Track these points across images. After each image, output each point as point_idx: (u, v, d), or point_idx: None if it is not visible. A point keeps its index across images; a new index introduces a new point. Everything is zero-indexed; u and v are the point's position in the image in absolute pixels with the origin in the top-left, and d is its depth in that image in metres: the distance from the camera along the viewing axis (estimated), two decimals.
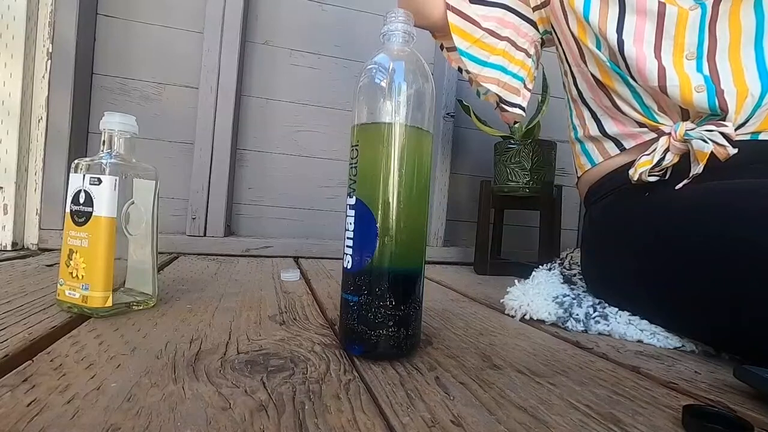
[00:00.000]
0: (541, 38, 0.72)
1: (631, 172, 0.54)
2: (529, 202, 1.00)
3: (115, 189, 0.43)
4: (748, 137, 0.51)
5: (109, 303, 0.43)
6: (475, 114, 1.04)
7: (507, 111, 0.71)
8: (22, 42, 0.80)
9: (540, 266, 0.71)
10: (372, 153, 0.36)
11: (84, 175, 0.43)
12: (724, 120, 0.50)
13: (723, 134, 0.48)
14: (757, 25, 0.51)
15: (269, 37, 1.07)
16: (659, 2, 0.55)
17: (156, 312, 0.46)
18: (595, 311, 0.53)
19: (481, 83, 0.69)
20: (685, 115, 0.54)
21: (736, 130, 0.49)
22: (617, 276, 0.56)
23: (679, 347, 0.47)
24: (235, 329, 0.42)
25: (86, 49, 0.93)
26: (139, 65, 0.99)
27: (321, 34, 1.10)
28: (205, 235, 0.98)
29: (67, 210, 0.44)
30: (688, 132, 0.50)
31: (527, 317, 0.55)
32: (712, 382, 0.37)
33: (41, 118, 0.85)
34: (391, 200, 0.35)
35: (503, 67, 0.69)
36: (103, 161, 0.43)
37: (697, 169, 0.49)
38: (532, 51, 0.71)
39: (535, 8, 0.69)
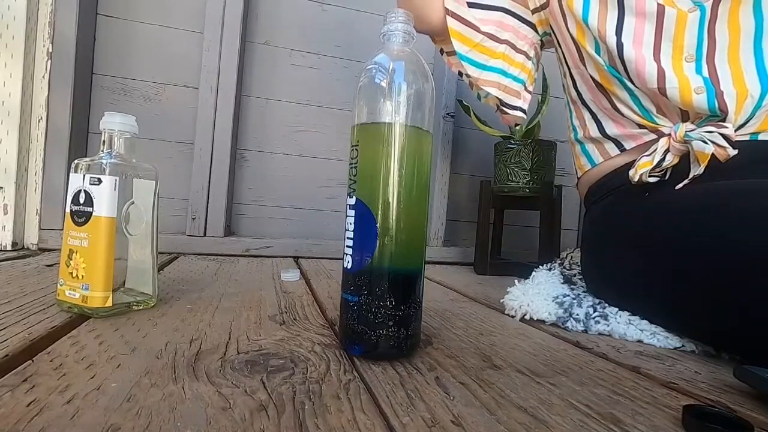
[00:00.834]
0: (541, 40, 0.72)
1: (631, 172, 0.54)
2: (529, 202, 1.00)
3: (115, 189, 0.43)
4: (747, 138, 0.51)
5: (109, 303, 0.43)
6: (475, 114, 1.04)
7: (508, 114, 0.71)
8: (22, 42, 0.80)
9: (540, 266, 0.71)
10: (372, 153, 0.36)
11: (84, 175, 0.43)
12: (724, 121, 0.50)
13: (723, 135, 0.48)
14: (756, 26, 0.51)
15: (269, 37, 1.08)
16: (658, 4, 0.55)
17: (156, 312, 0.46)
18: (595, 311, 0.53)
19: (482, 87, 0.69)
20: (684, 116, 0.54)
21: (736, 130, 0.49)
22: (617, 276, 0.56)
23: (679, 347, 0.47)
24: (235, 329, 0.42)
25: (86, 49, 0.93)
26: (139, 65, 0.99)
27: (321, 34, 1.10)
28: (205, 235, 0.98)
29: (67, 210, 0.44)
30: (688, 133, 0.50)
31: (527, 317, 0.55)
32: (712, 382, 0.37)
33: (41, 118, 0.85)
34: (391, 200, 0.35)
35: (503, 70, 0.69)
36: (103, 161, 0.43)
37: (697, 170, 0.49)
38: (532, 53, 0.71)
39: (534, 11, 0.70)
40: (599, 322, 0.52)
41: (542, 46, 0.74)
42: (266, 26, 1.07)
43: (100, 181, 0.43)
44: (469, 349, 0.42)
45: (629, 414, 0.30)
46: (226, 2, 0.98)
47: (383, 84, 0.36)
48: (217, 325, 0.43)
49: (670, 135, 0.52)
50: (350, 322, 0.36)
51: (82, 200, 0.43)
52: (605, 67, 0.58)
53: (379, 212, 0.35)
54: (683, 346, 0.47)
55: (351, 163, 0.37)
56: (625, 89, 0.57)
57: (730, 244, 0.42)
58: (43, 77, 0.84)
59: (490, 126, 1.03)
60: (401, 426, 0.26)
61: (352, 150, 0.37)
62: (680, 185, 0.51)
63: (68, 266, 0.43)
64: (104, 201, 0.43)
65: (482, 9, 0.69)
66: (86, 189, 0.43)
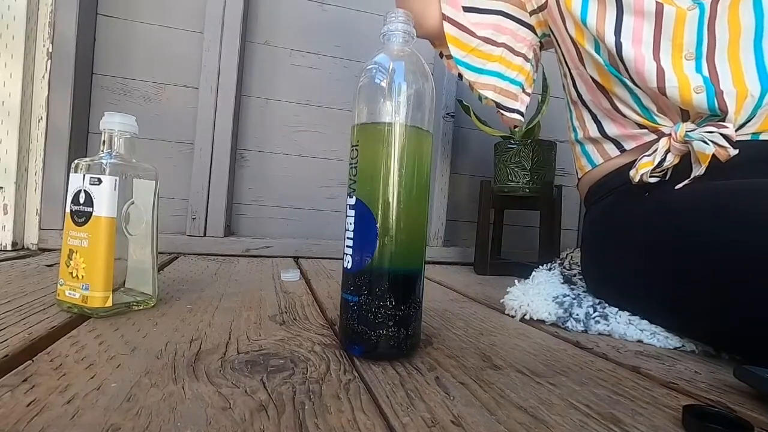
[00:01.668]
0: (540, 42, 0.72)
1: (632, 173, 0.54)
2: (529, 202, 1.00)
3: (115, 189, 0.43)
4: (748, 137, 0.51)
5: (109, 303, 0.43)
6: (475, 114, 1.04)
7: (505, 116, 0.71)
8: (22, 42, 0.80)
9: (540, 266, 0.71)
10: (372, 153, 0.36)
11: (84, 175, 0.43)
12: (724, 120, 0.50)
13: (724, 135, 0.48)
14: (757, 24, 0.51)
15: (269, 37, 1.08)
16: (656, 2, 0.55)
17: (156, 312, 0.46)
18: (595, 311, 0.53)
19: (479, 90, 0.70)
20: (684, 115, 0.54)
21: (736, 130, 0.49)
22: (617, 276, 0.56)
23: (679, 347, 0.47)
24: (235, 329, 0.42)
25: (86, 49, 0.93)
26: (139, 65, 0.99)
27: (321, 34, 1.10)
28: (205, 235, 0.98)
29: (67, 210, 0.44)
30: (688, 133, 0.50)
31: (527, 317, 0.55)
32: (712, 382, 0.37)
33: (41, 118, 0.85)
34: (391, 200, 0.35)
35: (500, 73, 0.69)
36: (103, 161, 0.43)
37: (698, 170, 0.49)
38: (530, 55, 0.71)
39: (532, 12, 0.69)
40: (599, 322, 0.52)
41: (542, 47, 0.74)
42: (266, 26, 1.07)
43: (100, 181, 0.43)
44: (469, 349, 0.42)
45: (629, 414, 0.30)
46: (226, 2, 0.98)
47: (383, 84, 0.36)
48: (217, 325, 0.43)
49: (670, 135, 0.52)
50: (350, 322, 0.36)
51: (82, 200, 0.43)
52: (605, 66, 0.58)
53: (379, 212, 0.35)
54: (683, 346, 0.47)
55: (351, 163, 0.37)
56: (625, 88, 0.57)
57: (731, 244, 0.42)
58: (43, 77, 0.84)
59: (490, 126, 1.03)
60: (401, 426, 0.26)
61: (352, 150, 0.37)
62: (680, 185, 0.51)
63: (68, 266, 0.43)
64: (104, 201, 0.43)
65: (479, 13, 0.69)
66: (86, 189, 0.43)
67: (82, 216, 0.43)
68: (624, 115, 0.58)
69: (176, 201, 1.01)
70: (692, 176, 0.50)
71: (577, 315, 0.53)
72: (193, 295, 0.55)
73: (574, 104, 0.67)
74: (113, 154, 0.45)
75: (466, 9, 0.69)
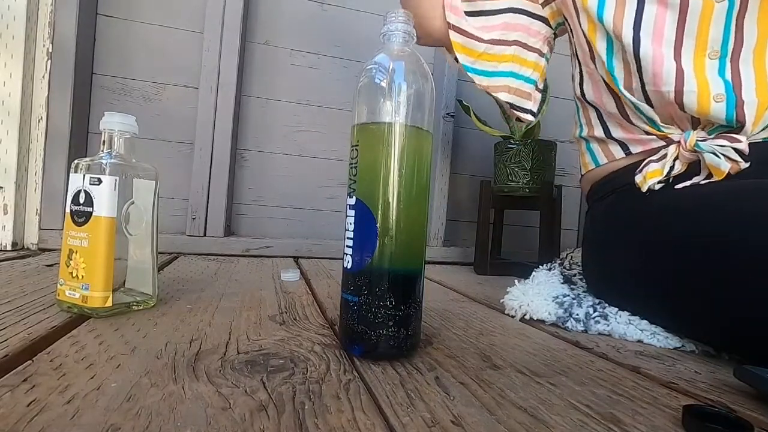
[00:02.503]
0: (554, 33, 0.70)
1: (638, 180, 0.53)
2: (529, 202, 1.00)
3: (115, 189, 0.43)
4: (758, 140, 0.50)
5: (109, 303, 0.43)
6: (475, 114, 1.04)
7: (519, 116, 0.70)
8: (22, 42, 0.80)
9: (540, 266, 0.71)
10: (372, 153, 0.36)
11: (84, 175, 0.43)
12: (739, 132, 0.49)
13: (736, 150, 0.47)
14: None
15: (269, 37, 1.08)
16: None
17: (156, 312, 0.46)
18: (595, 311, 0.53)
19: (492, 93, 0.68)
20: (695, 122, 0.52)
21: (749, 138, 0.48)
22: (618, 275, 0.56)
23: (679, 347, 0.47)
24: (235, 329, 0.42)
25: (86, 49, 0.93)
26: (139, 65, 0.99)
27: (321, 34, 1.10)
28: (205, 235, 0.98)
29: (67, 210, 0.44)
30: (699, 143, 0.49)
31: (527, 317, 0.55)
32: (712, 382, 0.37)
33: (41, 118, 0.85)
34: (391, 200, 0.35)
35: (513, 72, 0.67)
36: (103, 161, 0.43)
37: (702, 177, 0.49)
38: (545, 49, 0.69)
39: (545, 3, 0.67)
40: (599, 322, 0.52)
41: (555, 36, 0.71)
42: (266, 26, 1.07)
43: (100, 181, 0.43)
44: (469, 349, 0.42)
45: (629, 414, 0.30)
46: (226, 2, 0.98)
47: (383, 84, 0.36)
48: (217, 325, 0.43)
49: (679, 142, 0.51)
50: (350, 322, 0.36)
51: (82, 200, 0.43)
52: (612, 78, 0.56)
53: (379, 212, 0.35)
54: (683, 346, 0.47)
55: (351, 163, 0.37)
56: (629, 101, 0.55)
57: (731, 244, 0.42)
58: (43, 77, 0.84)
59: (490, 126, 1.03)
60: (401, 426, 0.26)
61: (352, 150, 0.37)
62: (681, 185, 0.50)
63: (68, 266, 0.43)
64: (104, 201, 0.43)
65: (484, 16, 0.67)
66: (86, 189, 0.43)
67: (82, 216, 0.43)
68: (631, 122, 0.57)
69: (176, 201, 1.01)
70: (693, 181, 0.49)
71: (577, 315, 0.53)
72: (193, 295, 0.55)
73: (580, 101, 0.66)
74: (113, 154, 0.45)
75: (470, 14, 0.67)
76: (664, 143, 0.54)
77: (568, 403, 0.31)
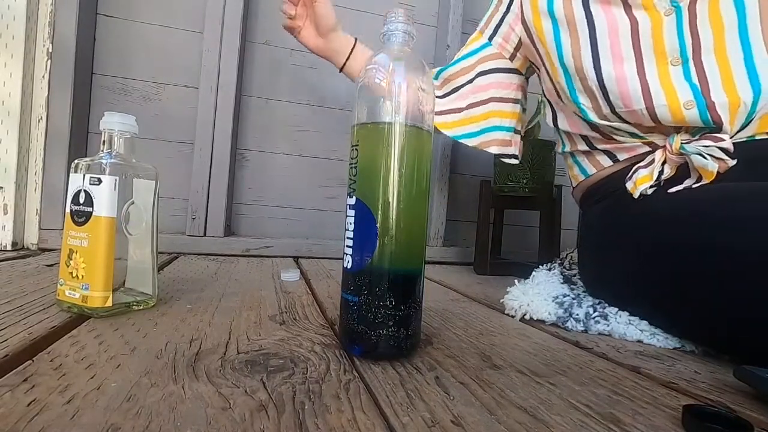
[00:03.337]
0: (526, 78, 0.73)
1: (629, 187, 0.53)
2: (529, 202, 1.00)
3: (115, 189, 0.43)
4: (743, 139, 0.51)
5: (109, 303, 0.43)
6: None
7: (505, 162, 0.74)
8: (22, 42, 0.80)
9: (540, 266, 0.71)
10: (372, 153, 0.36)
11: (84, 175, 0.43)
12: (720, 131, 0.49)
13: (722, 149, 0.47)
14: (739, 19, 0.50)
15: (269, 37, 1.07)
16: (629, 17, 0.54)
17: (156, 312, 0.46)
18: (595, 311, 0.53)
19: (484, 149, 0.72)
20: (678, 126, 0.53)
21: (732, 137, 0.48)
22: (614, 278, 0.55)
23: (679, 347, 0.47)
24: (235, 329, 0.42)
25: (86, 49, 0.93)
26: (139, 65, 0.98)
27: None
28: (205, 235, 0.98)
29: (67, 210, 0.44)
30: (683, 145, 0.50)
31: (527, 317, 0.55)
32: (712, 382, 0.37)
33: (41, 118, 0.85)
34: (391, 200, 0.35)
35: (497, 126, 0.71)
36: (103, 161, 0.43)
37: (692, 179, 0.49)
38: (519, 95, 0.72)
39: (512, 57, 0.70)
40: (599, 322, 0.52)
41: (527, 79, 0.74)
42: (266, 26, 1.07)
43: (100, 181, 0.43)
44: (469, 349, 0.42)
45: (629, 414, 0.30)
46: (226, 2, 0.98)
47: (383, 84, 0.36)
48: (217, 325, 0.43)
49: (665, 147, 0.52)
50: (350, 322, 0.36)
51: (82, 200, 0.43)
52: (580, 108, 0.58)
53: (379, 212, 0.35)
54: (683, 346, 0.47)
55: (351, 163, 0.37)
56: (605, 126, 0.57)
57: (726, 246, 0.41)
58: (43, 77, 0.84)
59: None
60: (401, 426, 0.26)
61: (352, 150, 0.37)
62: (673, 189, 0.50)
63: (68, 266, 0.43)
64: (104, 201, 0.43)
65: (456, 92, 0.71)
66: (86, 189, 0.43)
67: (82, 216, 0.43)
68: (613, 137, 0.58)
69: (176, 201, 1.01)
70: (684, 185, 0.50)
71: (577, 315, 0.53)
72: (193, 295, 0.55)
73: (556, 127, 0.68)
74: (113, 154, 0.45)
75: (445, 95, 0.72)
76: (649, 148, 0.55)
77: (568, 403, 0.31)
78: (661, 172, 0.52)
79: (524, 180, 0.95)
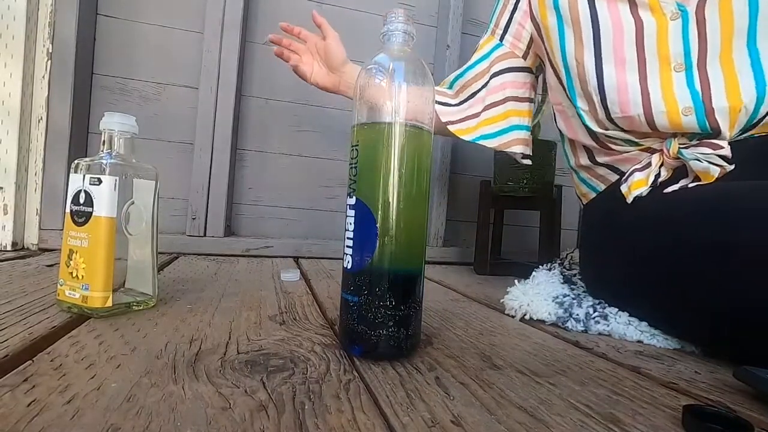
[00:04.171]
0: (536, 76, 0.73)
1: (624, 190, 0.53)
2: (529, 202, 1.00)
3: (115, 189, 0.43)
4: (739, 138, 0.51)
5: (109, 303, 0.43)
6: None
7: (522, 161, 0.72)
8: (22, 42, 0.80)
9: (540, 266, 0.71)
10: (372, 153, 0.36)
11: (84, 175, 0.43)
12: (717, 137, 0.49)
13: (720, 156, 0.47)
14: (750, 22, 0.48)
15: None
16: (634, 17, 0.53)
17: (156, 312, 0.46)
18: (595, 311, 0.53)
19: (506, 150, 0.69)
20: (674, 132, 0.52)
21: (731, 142, 0.48)
22: (614, 279, 0.55)
23: (679, 347, 0.47)
24: (235, 329, 0.42)
25: (86, 49, 0.93)
26: (139, 65, 0.98)
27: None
28: (205, 235, 0.98)
29: (67, 210, 0.44)
30: (681, 150, 0.50)
31: (527, 317, 0.55)
32: (712, 382, 0.37)
33: (41, 118, 0.85)
34: (391, 200, 0.35)
35: (518, 125, 0.69)
36: (103, 161, 0.43)
37: (688, 180, 0.49)
38: (533, 95, 0.72)
39: (524, 55, 0.69)
40: (599, 322, 0.52)
41: (537, 78, 0.74)
42: (266, 26, 1.07)
43: (100, 181, 0.43)
44: (469, 349, 0.42)
45: (629, 414, 0.30)
46: (226, 2, 0.98)
47: (383, 84, 0.36)
48: (217, 325, 0.43)
49: (662, 151, 0.52)
50: (350, 322, 0.36)
51: (82, 200, 0.43)
52: (577, 109, 0.58)
53: (379, 212, 0.35)
54: (683, 346, 0.47)
55: (351, 163, 0.37)
56: (600, 133, 0.57)
57: (725, 246, 0.41)
58: (43, 77, 0.84)
59: None
60: (401, 426, 0.26)
61: (352, 150, 0.37)
62: (669, 189, 0.50)
63: (68, 266, 0.43)
64: (104, 201, 0.43)
65: (473, 97, 0.70)
66: (86, 189, 0.43)
67: (82, 216, 0.43)
68: (609, 147, 0.58)
69: (176, 201, 1.01)
70: (680, 184, 0.50)
71: (577, 315, 0.53)
72: (193, 295, 0.55)
73: (561, 133, 0.67)
74: (113, 154, 0.45)
75: (462, 102, 0.71)
76: (648, 154, 0.55)
77: (568, 403, 0.31)
78: (657, 176, 0.52)
79: (524, 180, 0.95)
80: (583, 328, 0.52)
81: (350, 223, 0.36)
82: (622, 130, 0.54)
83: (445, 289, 0.76)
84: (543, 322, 0.54)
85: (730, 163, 0.47)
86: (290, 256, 1.02)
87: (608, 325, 0.51)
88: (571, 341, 0.48)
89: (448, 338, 0.45)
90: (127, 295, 0.46)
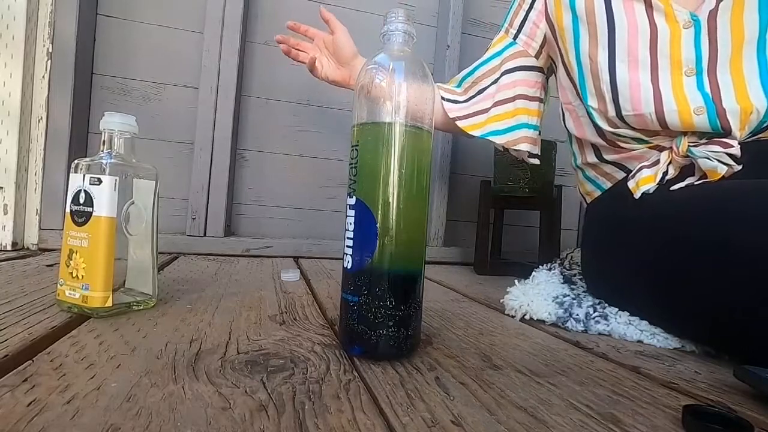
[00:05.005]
0: (547, 77, 0.72)
1: (631, 186, 0.53)
2: (529, 202, 1.00)
3: (115, 189, 0.43)
4: (750, 140, 0.51)
5: (109, 303, 0.43)
6: None
7: (529, 160, 0.72)
8: (22, 42, 0.80)
9: (540, 266, 0.71)
10: (372, 153, 0.36)
11: (84, 175, 0.43)
12: (727, 137, 0.49)
13: (730, 155, 0.47)
14: (761, 31, 0.49)
15: (269, 37, 1.07)
16: (650, 21, 0.53)
17: (156, 312, 0.46)
18: (595, 311, 0.53)
19: (513, 148, 0.69)
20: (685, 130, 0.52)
21: (741, 142, 0.48)
22: (617, 276, 0.55)
23: (679, 347, 0.47)
24: (235, 329, 0.42)
25: (86, 49, 0.93)
26: (139, 65, 0.98)
27: None
28: (205, 235, 0.98)
29: (67, 210, 0.44)
30: (691, 149, 0.50)
31: (527, 317, 0.55)
32: (712, 382, 0.37)
33: (41, 118, 0.85)
34: (391, 200, 0.35)
35: (527, 123, 0.69)
36: (103, 161, 0.43)
37: (695, 178, 0.49)
38: (543, 95, 0.71)
39: (537, 54, 0.69)
40: (599, 322, 0.52)
41: (548, 78, 0.74)
42: (266, 26, 1.07)
43: (100, 181, 0.43)
44: (469, 349, 0.42)
45: (629, 414, 0.30)
46: (226, 2, 0.98)
47: (383, 84, 0.36)
48: (217, 325, 0.43)
49: (671, 149, 0.52)
50: (350, 322, 0.36)
51: (82, 200, 0.43)
52: (587, 107, 0.58)
53: (379, 212, 0.35)
54: (683, 346, 0.47)
55: (351, 163, 0.37)
56: (609, 131, 0.56)
57: (728, 245, 0.41)
58: (43, 77, 0.84)
59: None
60: (401, 426, 0.26)
61: (352, 150, 0.37)
62: (675, 187, 0.50)
63: (68, 266, 0.43)
64: (104, 201, 0.43)
65: (482, 92, 0.70)
66: (86, 189, 0.43)
67: (82, 216, 0.43)
68: (618, 145, 0.58)
69: (176, 201, 1.01)
70: (687, 182, 0.50)
71: (577, 315, 0.53)
72: (193, 295, 0.55)
73: (569, 132, 0.67)
74: (113, 154, 0.45)
75: (471, 98, 0.70)
76: (656, 152, 0.55)
77: (568, 403, 0.31)
78: (665, 173, 0.52)
79: (524, 180, 0.95)
80: (583, 328, 0.52)
81: (350, 223, 0.36)
82: (632, 128, 0.54)
83: (445, 289, 0.76)
84: (543, 322, 0.54)
85: (739, 163, 0.47)
86: (290, 256, 1.02)
87: (608, 325, 0.51)
88: (571, 341, 0.48)
89: (448, 338, 0.45)
90: (127, 295, 0.46)
